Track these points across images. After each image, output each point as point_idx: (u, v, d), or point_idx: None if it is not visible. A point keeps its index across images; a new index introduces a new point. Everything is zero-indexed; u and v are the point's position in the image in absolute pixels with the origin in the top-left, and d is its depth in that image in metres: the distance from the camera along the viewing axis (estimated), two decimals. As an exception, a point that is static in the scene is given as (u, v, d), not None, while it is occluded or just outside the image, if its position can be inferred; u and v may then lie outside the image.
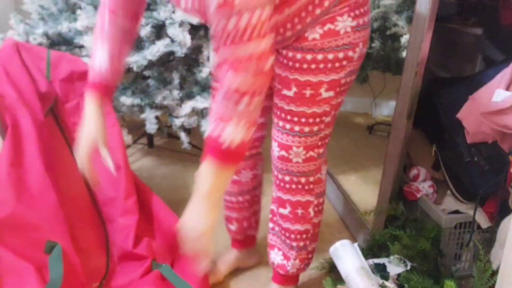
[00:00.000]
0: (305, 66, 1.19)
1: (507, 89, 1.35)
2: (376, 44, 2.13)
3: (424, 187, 1.61)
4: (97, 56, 1.23)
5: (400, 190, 1.65)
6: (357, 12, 1.17)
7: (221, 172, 0.99)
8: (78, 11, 1.90)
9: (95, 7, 1.86)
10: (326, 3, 1.15)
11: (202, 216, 1.00)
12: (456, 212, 1.54)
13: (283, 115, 1.27)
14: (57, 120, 1.47)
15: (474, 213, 1.44)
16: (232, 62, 0.94)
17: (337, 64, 1.19)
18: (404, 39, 1.87)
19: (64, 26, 1.91)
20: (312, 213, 1.41)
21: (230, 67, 0.94)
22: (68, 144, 1.45)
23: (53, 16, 1.97)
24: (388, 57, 2.20)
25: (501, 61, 1.56)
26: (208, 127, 0.99)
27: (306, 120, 1.25)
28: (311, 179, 1.36)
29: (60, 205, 1.20)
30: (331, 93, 1.23)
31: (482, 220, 1.48)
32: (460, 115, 1.45)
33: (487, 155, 1.44)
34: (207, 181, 0.99)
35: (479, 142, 1.42)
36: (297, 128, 1.26)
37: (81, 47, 1.95)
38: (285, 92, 1.24)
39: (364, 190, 2.07)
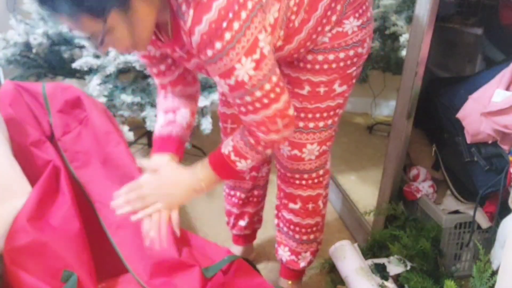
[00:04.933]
0: (317, 67, 1.20)
1: (507, 89, 1.35)
2: (376, 44, 2.13)
3: (424, 187, 1.61)
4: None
5: (400, 190, 1.65)
6: (360, 11, 1.19)
7: (217, 182, 1.10)
8: (78, 11, 1.90)
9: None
10: (334, 18, 1.16)
11: (184, 191, 1.08)
12: (456, 212, 1.54)
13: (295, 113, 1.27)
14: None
15: (474, 213, 1.44)
16: (260, 123, 1.00)
17: (348, 62, 1.20)
18: (403, 38, 1.87)
19: (64, 26, 1.91)
20: (321, 206, 1.42)
21: (258, 127, 1.01)
22: (73, 175, 1.44)
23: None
24: (388, 56, 2.20)
25: (501, 61, 1.56)
26: (224, 147, 1.07)
27: (320, 115, 1.25)
28: (321, 172, 1.36)
29: (83, 235, 1.20)
30: (344, 87, 1.24)
31: (482, 220, 1.48)
32: (460, 115, 1.45)
33: (487, 155, 1.43)
34: (206, 181, 1.08)
35: (479, 142, 1.42)
36: (311, 124, 1.26)
37: (81, 47, 1.95)
38: (297, 90, 1.23)
39: (364, 190, 2.06)
